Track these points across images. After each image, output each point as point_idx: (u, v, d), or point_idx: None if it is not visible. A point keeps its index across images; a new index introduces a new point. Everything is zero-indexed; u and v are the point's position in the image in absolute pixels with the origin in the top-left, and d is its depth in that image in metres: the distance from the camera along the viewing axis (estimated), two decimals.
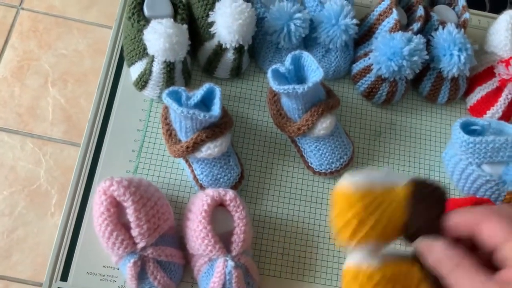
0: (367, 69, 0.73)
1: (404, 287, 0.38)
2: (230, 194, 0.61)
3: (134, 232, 0.57)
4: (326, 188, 0.70)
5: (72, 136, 1.83)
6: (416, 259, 0.39)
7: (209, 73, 0.74)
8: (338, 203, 0.39)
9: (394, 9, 0.71)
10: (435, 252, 0.37)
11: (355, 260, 0.38)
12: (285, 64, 0.65)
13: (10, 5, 2.04)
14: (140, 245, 0.58)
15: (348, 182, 0.38)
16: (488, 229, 0.35)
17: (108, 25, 2.05)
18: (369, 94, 0.74)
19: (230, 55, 0.70)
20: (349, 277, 0.38)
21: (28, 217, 1.75)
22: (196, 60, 0.75)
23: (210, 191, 0.61)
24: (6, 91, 1.95)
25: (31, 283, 1.75)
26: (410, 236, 0.39)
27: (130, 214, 0.57)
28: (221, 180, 0.66)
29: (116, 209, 0.58)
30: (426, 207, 0.38)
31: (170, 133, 0.66)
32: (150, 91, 0.70)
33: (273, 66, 0.64)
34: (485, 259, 0.36)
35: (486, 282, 0.34)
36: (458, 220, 0.37)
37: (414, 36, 0.69)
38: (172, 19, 0.65)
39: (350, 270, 0.39)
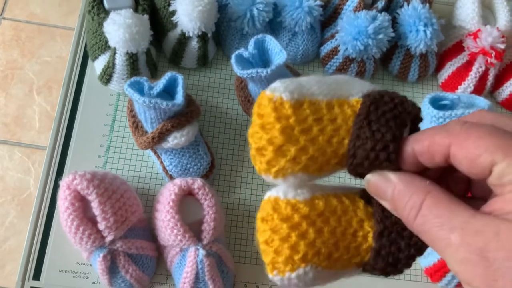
0: (334, 51, 0.72)
1: (340, 226, 0.28)
2: (198, 183, 0.60)
3: (101, 225, 0.57)
4: None
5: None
6: (364, 196, 0.29)
7: (176, 64, 0.73)
8: (258, 116, 0.29)
9: None
10: (392, 187, 0.27)
11: (278, 191, 0.29)
12: (249, 49, 0.64)
13: None
14: (108, 238, 0.57)
15: (277, 88, 0.28)
16: (467, 148, 0.24)
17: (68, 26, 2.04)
18: None
19: (194, 44, 0.69)
20: (268, 208, 0.28)
21: (19, 227, 1.74)
22: (162, 51, 0.74)
23: (177, 181, 0.60)
24: None
25: None
26: (355, 168, 0.28)
27: (95, 207, 0.56)
28: (191, 169, 0.65)
29: (81, 203, 0.57)
30: (380, 129, 0.27)
31: (136, 125, 0.65)
32: (116, 84, 0.69)
33: (236, 52, 0.63)
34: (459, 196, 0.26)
35: (471, 221, 0.23)
36: (422, 143, 0.26)
37: (379, 14, 0.68)
38: (131, 10, 0.64)
39: (270, 201, 0.29)
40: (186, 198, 0.61)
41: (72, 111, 0.70)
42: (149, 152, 0.68)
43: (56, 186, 0.66)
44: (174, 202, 0.58)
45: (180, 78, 0.61)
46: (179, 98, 0.60)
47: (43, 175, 0.66)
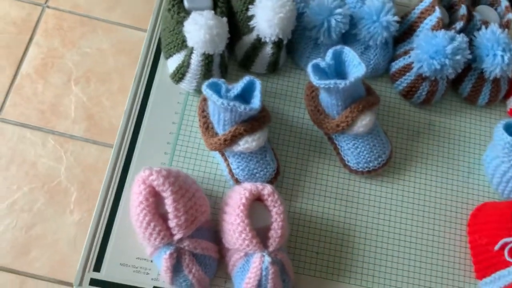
0: (407, 68, 0.71)
1: None
2: (268, 189, 0.60)
3: (172, 223, 0.57)
4: (363, 187, 0.69)
5: (93, 135, 1.83)
6: None
7: (246, 68, 0.73)
8: None
9: (436, 7, 0.70)
10: None
11: None
12: (326, 59, 0.64)
13: (36, 3, 2.06)
14: (177, 236, 0.57)
15: None
16: None
17: (132, 25, 2.06)
18: (408, 93, 0.72)
19: (268, 49, 0.69)
20: None
21: (47, 214, 1.75)
22: (233, 54, 0.74)
23: (248, 185, 0.60)
24: (29, 88, 1.96)
25: (47, 279, 1.75)
26: None
27: (169, 204, 0.56)
28: (257, 175, 0.65)
29: (154, 199, 0.57)
30: None
31: (207, 126, 0.65)
32: (187, 83, 0.70)
33: (313, 61, 0.63)
34: None
35: None
36: None
37: (457, 35, 0.67)
38: (212, 11, 0.65)
39: None
40: (254, 203, 0.60)
41: (142, 107, 0.70)
42: (215, 153, 0.68)
43: (122, 180, 0.66)
44: (245, 206, 0.58)
45: (258, 83, 0.61)
46: (256, 102, 0.60)
47: (109, 168, 0.67)
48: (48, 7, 2.13)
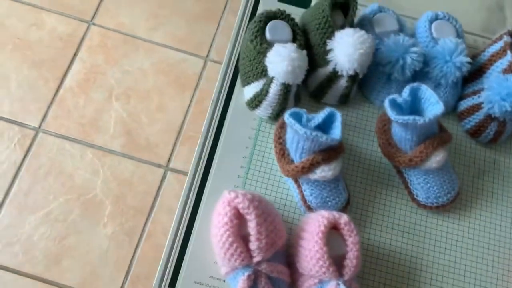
0: (476, 107, 0.73)
1: None
2: (344, 218, 0.61)
3: (253, 245, 0.58)
4: (430, 221, 0.70)
5: (130, 150, 1.88)
6: None
7: (317, 98, 0.76)
8: None
9: (508, 51, 0.72)
10: None
11: None
12: (403, 95, 0.66)
13: (82, 20, 2.14)
14: (257, 259, 0.59)
15: None
16: None
17: (173, 46, 2.12)
18: (476, 132, 0.74)
19: (343, 82, 0.72)
20: None
21: (80, 226, 1.78)
22: (305, 85, 0.77)
23: (325, 213, 0.61)
24: (71, 101, 2.02)
25: None
26: None
27: (252, 227, 0.58)
28: (329, 203, 0.67)
29: (238, 221, 0.59)
30: None
31: (283, 153, 0.67)
32: (262, 110, 0.72)
33: (391, 96, 0.66)
34: None
35: None
36: None
37: None
38: (295, 44, 0.68)
39: None
40: (330, 231, 0.62)
41: (217, 130, 0.73)
42: (287, 179, 0.70)
43: (198, 199, 0.68)
44: (323, 233, 0.59)
45: (338, 115, 0.63)
46: (337, 133, 0.63)
47: (186, 186, 0.69)
48: (94, 24, 2.21)
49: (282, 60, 0.66)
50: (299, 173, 0.65)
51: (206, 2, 2.23)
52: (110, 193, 1.82)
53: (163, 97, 2.02)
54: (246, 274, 0.59)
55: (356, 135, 0.75)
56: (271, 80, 0.69)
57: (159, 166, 1.91)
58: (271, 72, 0.68)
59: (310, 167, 0.64)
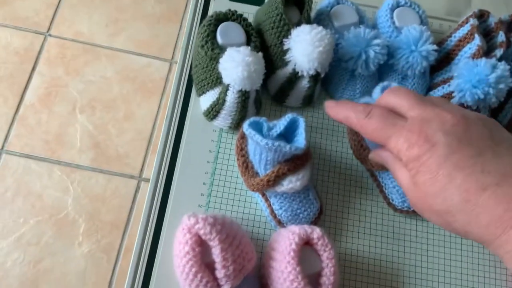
0: (447, 97, 0.69)
1: None
2: (317, 232, 0.57)
3: (220, 273, 0.53)
4: (408, 228, 0.66)
5: (100, 163, 1.80)
6: None
7: (279, 102, 0.71)
8: None
9: (476, 35, 0.68)
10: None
11: None
12: (373, 96, 0.62)
13: (38, 32, 2.05)
14: (225, 287, 0.54)
15: None
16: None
17: (135, 51, 2.05)
18: None
19: (305, 83, 0.67)
20: None
21: (55, 247, 1.71)
22: (265, 88, 0.72)
23: (295, 229, 0.57)
24: (33, 118, 1.94)
25: None
26: None
27: (217, 254, 0.53)
28: (301, 215, 0.62)
29: (201, 248, 0.54)
30: None
31: (246, 165, 0.62)
32: (221, 121, 0.67)
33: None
34: None
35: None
36: None
37: (499, 63, 0.65)
38: (249, 47, 0.62)
39: None
40: (303, 247, 0.57)
41: (175, 147, 0.67)
42: (254, 193, 0.65)
43: (158, 224, 0.63)
44: (295, 252, 0.55)
45: (301, 121, 0.58)
46: (301, 141, 0.58)
47: (144, 213, 0.63)
48: (50, 35, 2.11)
49: (236, 66, 0.61)
50: (265, 187, 0.60)
51: (166, 3, 2.15)
52: (82, 210, 1.75)
53: (130, 105, 1.94)
54: None
55: (324, 137, 0.71)
56: (227, 88, 0.63)
57: (132, 177, 1.84)
58: (226, 79, 0.63)
59: (276, 179, 0.59)
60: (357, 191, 0.67)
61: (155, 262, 0.61)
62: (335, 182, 0.68)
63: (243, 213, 0.65)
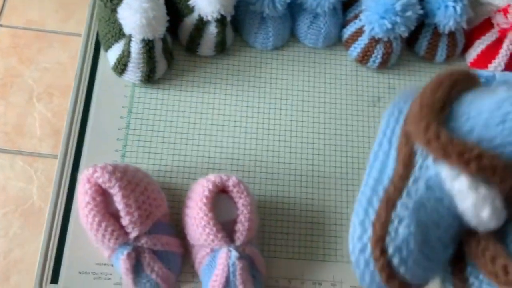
0: (359, 32, 0.69)
1: None
2: (233, 180, 0.56)
3: (125, 220, 0.53)
4: (328, 171, 0.66)
5: None
6: None
7: (192, 51, 0.70)
8: None
9: None
10: None
11: None
12: None
13: None
14: (133, 234, 0.53)
15: None
16: None
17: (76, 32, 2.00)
18: (363, 58, 0.70)
19: (212, 29, 0.66)
20: None
21: (23, 237, 1.69)
22: (177, 39, 0.70)
23: (211, 177, 0.56)
24: None
25: None
26: None
27: (118, 201, 0.52)
28: None
29: (103, 197, 0.53)
30: None
31: None
32: (131, 74, 0.66)
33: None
34: None
35: None
36: None
37: None
38: None
39: None
40: (219, 195, 0.57)
41: (86, 106, 0.66)
42: (169, 145, 0.64)
43: (72, 183, 0.62)
44: (208, 199, 0.54)
45: None
46: None
47: (57, 174, 0.62)
48: (1, 25, 2.06)
49: (134, 13, 0.59)
50: None
51: None
52: (48, 198, 1.74)
53: None
54: (125, 252, 0.53)
55: (241, 83, 0.70)
56: (129, 38, 0.62)
57: None
58: (126, 29, 0.61)
59: None
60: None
61: (69, 223, 0.60)
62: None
63: (160, 164, 0.64)
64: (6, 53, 2.12)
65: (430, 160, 0.35)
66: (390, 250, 0.33)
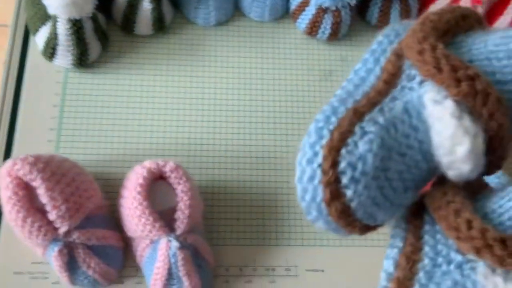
0: (305, 2, 0.65)
1: None
2: (170, 165, 0.52)
3: (52, 215, 0.49)
4: (273, 150, 0.62)
5: None
6: None
7: (129, 31, 0.65)
8: None
9: None
10: None
11: None
12: None
13: None
14: (62, 229, 0.49)
15: None
16: None
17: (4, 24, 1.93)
18: (312, 29, 0.66)
19: (146, 5, 0.61)
20: None
21: None
22: (112, 18, 0.66)
23: (147, 163, 0.52)
24: None
25: None
26: None
27: (43, 194, 0.48)
28: None
29: (26, 191, 0.49)
30: None
31: None
32: (62, 58, 0.61)
33: None
34: None
35: None
36: None
37: None
38: None
39: None
40: (157, 182, 0.53)
41: (16, 95, 0.61)
42: (106, 133, 0.60)
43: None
44: (143, 186, 0.50)
45: None
46: None
47: None
48: None
49: None
50: None
51: None
52: None
53: None
54: (56, 249, 0.50)
55: (183, 63, 0.65)
56: (55, 19, 0.57)
57: None
58: (50, 9, 0.56)
59: None
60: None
61: (0, 218, 0.56)
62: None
63: (98, 154, 0.60)
64: None
65: (416, 81, 0.30)
66: (343, 164, 0.28)
